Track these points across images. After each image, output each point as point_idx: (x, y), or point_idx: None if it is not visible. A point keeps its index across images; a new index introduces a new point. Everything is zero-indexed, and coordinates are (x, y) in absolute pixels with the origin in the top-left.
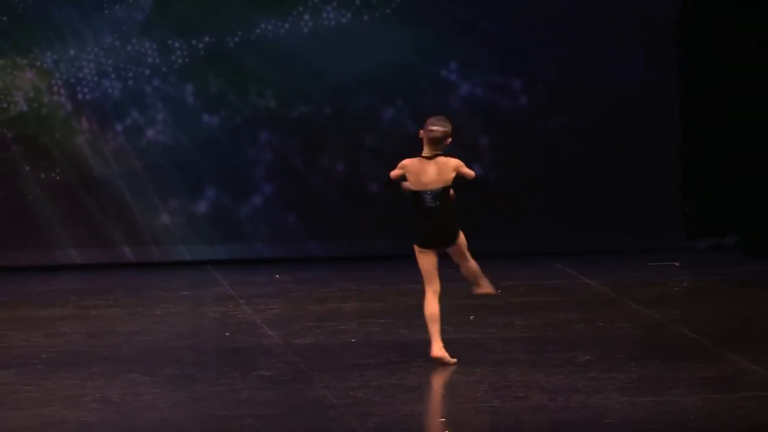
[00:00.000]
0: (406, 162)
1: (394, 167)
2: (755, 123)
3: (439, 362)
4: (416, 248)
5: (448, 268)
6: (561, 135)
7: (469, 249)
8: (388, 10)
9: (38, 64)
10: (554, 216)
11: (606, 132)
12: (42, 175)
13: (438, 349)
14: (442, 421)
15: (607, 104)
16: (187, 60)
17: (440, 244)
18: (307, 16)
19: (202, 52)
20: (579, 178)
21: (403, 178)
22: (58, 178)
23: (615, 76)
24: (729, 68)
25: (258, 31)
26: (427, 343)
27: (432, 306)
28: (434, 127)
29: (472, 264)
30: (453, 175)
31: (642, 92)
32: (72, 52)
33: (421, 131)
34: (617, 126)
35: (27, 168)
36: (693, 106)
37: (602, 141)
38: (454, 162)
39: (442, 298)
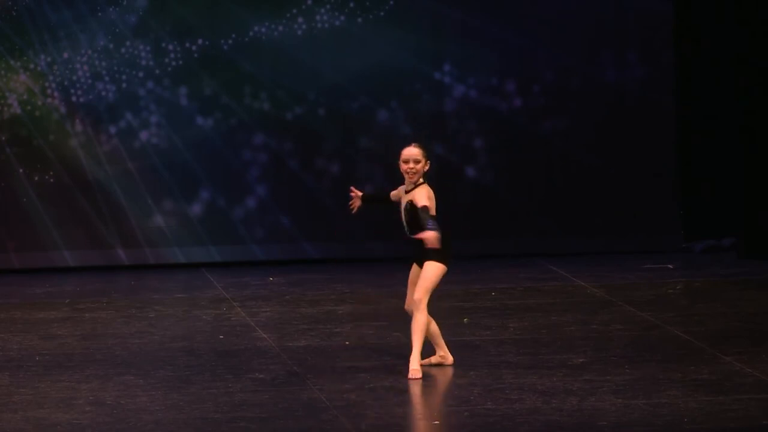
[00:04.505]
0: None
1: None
2: (753, 125)
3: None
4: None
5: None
6: (557, 137)
7: (466, 250)
8: (382, 13)
9: (32, 66)
10: (550, 218)
11: (602, 134)
12: (36, 178)
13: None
14: (436, 424)
15: (603, 106)
16: (180, 62)
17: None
18: (301, 19)
19: (196, 55)
20: (575, 180)
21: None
22: (52, 180)
23: (612, 78)
24: (726, 70)
25: (252, 33)
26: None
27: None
28: None
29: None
30: None
31: (639, 94)
32: (66, 55)
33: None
34: (613, 128)
35: (21, 170)
36: (690, 107)
37: (598, 143)
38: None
39: (437, 300)
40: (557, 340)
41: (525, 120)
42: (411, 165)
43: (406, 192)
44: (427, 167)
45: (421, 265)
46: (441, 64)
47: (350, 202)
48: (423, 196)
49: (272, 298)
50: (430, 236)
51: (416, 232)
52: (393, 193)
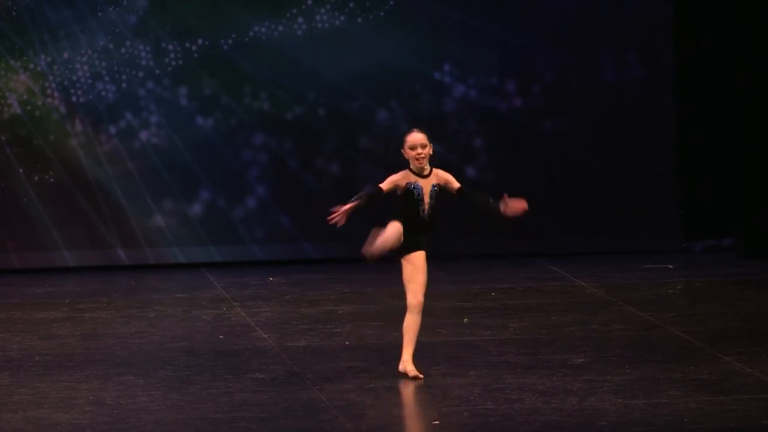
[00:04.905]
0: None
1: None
2: (753, 125)
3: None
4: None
5: (440, 271)
6: (557, 137)
7: (466, 250)
8: (382, 13)
9: (32, 66)
10: (550, 218)
11: (602, 134)
12: (36, 178)
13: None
14: (436, 424)
15: (603, 106)
16: (180, 62)
17: None
18: (301, 19)
19: (196, 55)
20: (575, 180)
21: None
22: (52, 180)
23: (612, 78)
24: (726, 70)
25: (252, 33)
26: (420, 346)
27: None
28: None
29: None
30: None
31: (639, 94)
32: (66, 55)
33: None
34: (613, 128)
35: (21, 170)
36: (690, 107)
37: (598, 143)
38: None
39: (437, 301)
40: (557, 340)
41: (525, 120)
42: (419, 150)
43: (423, 176)
44: (431, 151)
45: (413, 246)
46: (441, 64)
47: (333, 219)
48: (453, 178)
49: (272, 298)
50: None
51: (436, 217)
52: (392, 180)
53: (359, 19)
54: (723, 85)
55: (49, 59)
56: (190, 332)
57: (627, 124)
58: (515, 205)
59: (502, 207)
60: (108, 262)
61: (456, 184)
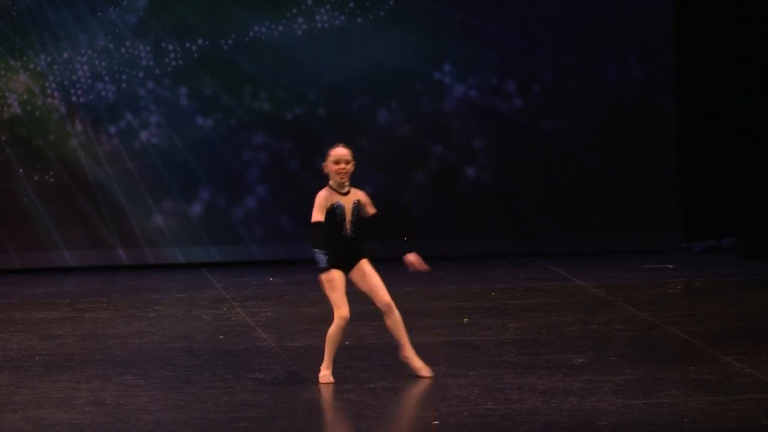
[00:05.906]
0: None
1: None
2: (753, 125)
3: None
4: None
5: (440, 271)
6: (557, 137)
7: (466, 249)
8: (382, 13)
9: (32, 66)
10: (550, 218)
11: (602, 134)
12: (36, 178)
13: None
14: (436, 424)
15: (603, 106)
16: (180, 62)
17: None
18: (301, 19)
19: (196, 55)
20: (575, 180)
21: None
22: (52, 180)
23: (612, 78)
24: (726, 70)
25: (252, 33)
26: (419, 346)
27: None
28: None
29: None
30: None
31: (639, 94)
32: (66, 55)
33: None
34: (613, 128)
35: (21, 170)
36: (690, 107)
37: (598, 143)
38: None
39: (437, 300)
40: (557, 340)
41: (525, 120)
42: (342, 165)
43: (342, 194)
44: (353, 168)
45: (350, 269)
46: (441, 64)
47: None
48: (370, 201)
49: (272, 298)
50: (417, 261)
51: (360, 233)
52: (320, 206)
53: (359, 19)
54: (723, 85)
55: (49, 59)
56: (190, 332)
57: (627, 124)
58: (415, 263)
59: (406, 257)
60: (108, 262)
61: (372, 210)
